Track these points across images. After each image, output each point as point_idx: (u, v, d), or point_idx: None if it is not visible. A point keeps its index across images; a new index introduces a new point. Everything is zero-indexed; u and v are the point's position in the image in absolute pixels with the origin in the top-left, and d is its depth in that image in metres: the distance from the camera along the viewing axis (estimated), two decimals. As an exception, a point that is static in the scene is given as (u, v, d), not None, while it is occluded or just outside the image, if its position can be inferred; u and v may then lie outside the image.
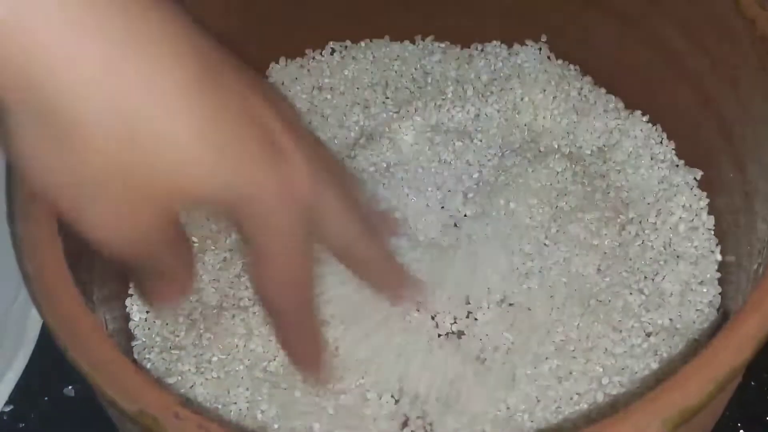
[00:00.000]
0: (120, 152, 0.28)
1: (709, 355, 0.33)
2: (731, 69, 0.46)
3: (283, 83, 0.55)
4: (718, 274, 0.48)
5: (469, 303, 0.47)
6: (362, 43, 0.57)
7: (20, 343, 0.47)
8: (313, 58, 0.57)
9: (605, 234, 0.49)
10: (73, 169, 0.28)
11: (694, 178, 0.51)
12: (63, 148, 0.27)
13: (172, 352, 0.46)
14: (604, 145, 0.53)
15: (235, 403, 0.44)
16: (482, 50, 0.57)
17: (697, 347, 0.46)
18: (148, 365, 0.46)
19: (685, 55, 0.49)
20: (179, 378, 0.45)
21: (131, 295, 0.49)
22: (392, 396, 0.45)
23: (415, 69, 0.56)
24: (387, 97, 0.55)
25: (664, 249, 0.49)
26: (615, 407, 0.43)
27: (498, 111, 0.54)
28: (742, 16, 0.44)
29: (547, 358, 0.45)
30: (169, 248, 0.32)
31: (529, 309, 0.47)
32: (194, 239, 0.50)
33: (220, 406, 0.44)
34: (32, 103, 0.27)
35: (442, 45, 0.57)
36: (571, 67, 0.55)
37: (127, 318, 0.48)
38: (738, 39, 0.44)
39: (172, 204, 0.30)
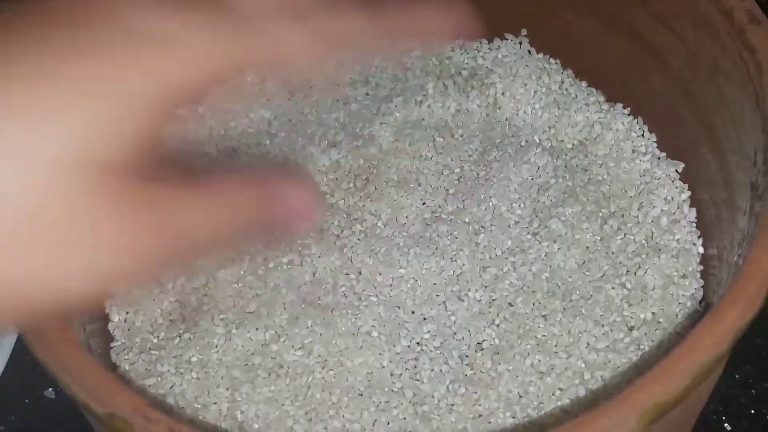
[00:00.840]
0: None
1: (685, 348, 0.32)
2: (710, 60, 0.45)
3: (262, 80, 0.55)
4: (700, 267, 0.48)
5: (450, 299, 0.47)
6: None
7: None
8: (293, 55, 0.56)
9: (587, 228, 0.49)
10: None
11: (676, 171, 0.50)
12: None
13: (152, 353, 0.46)
14: (585, 139, 0.53)
15: (215, 403, 0.44)
16: (462, 45, 0.56)
17: (680, 342, 0.45)
18: (127, 366, 0.46)
19: (665, 47, 0.49)
20: (159, 379, 0.45)
21: (110, 296, 0.49)
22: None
23: (396, 65, 0.56)
24: (367, 94, 0.55)
25: (646, 242, 0.49)
26: (596, 402, 0.43)
27: (479, 106, 0.54)
28: (720, 7, 0.44)
29: (528, 354, 0.45)
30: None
31: (511, 304, 0.47)
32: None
33: (200, 407, 0.44)
34: None
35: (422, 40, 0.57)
36: (552, 60, 0.55)
37: (106, 319, 0.48)
38: (716, 30, 0.44)
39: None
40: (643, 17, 0.49)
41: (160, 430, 0.31)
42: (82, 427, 0.48)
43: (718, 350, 0.32)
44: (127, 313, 0.48)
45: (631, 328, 0.46)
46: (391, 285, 0.47)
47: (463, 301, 0.47)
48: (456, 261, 0.48)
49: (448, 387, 0.45)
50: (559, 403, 0.44)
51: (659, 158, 0.51)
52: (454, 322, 0.47)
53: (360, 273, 0.48)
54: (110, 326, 0.48)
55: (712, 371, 0.32)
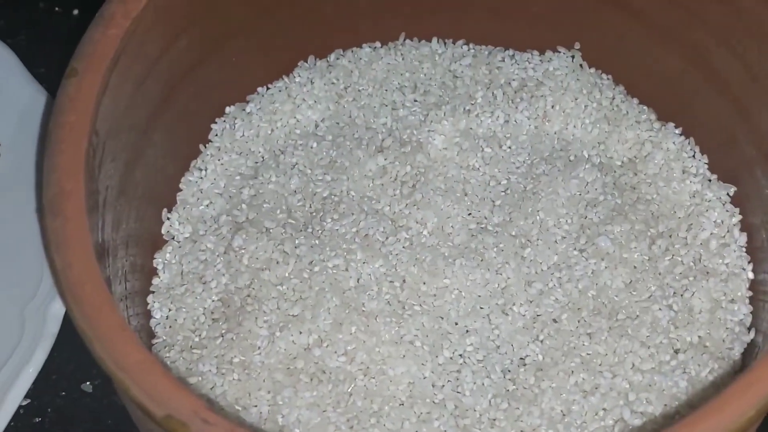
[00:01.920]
0: None
1: (749, 379, 0.32)
2: (772, 84, 0.45)
3: (311, 82, 0.55)
4: (750, 293, 0.47)
5: (494, 312, 0.46)
6: (391, 44, 0.57)
7: (39, 338, 0.46)
8: (342, 57, 0.56)
9: (634, 247, 0.48)
10: None
11: (727, 194, 0.50)
12: None
13: (193, 351, 0.46)
14: (635, 157, 0.52)
15: (256, 406, 0.44)
16: (513, 56, 0.56)
17: (726, 367, 0.45)
18: (169, 364, 0.45)
19: (723, 66, 0.48)
20: (200, 378, 0.45)
21: (153, 292, 0.48)
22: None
23: (445, 72, 0.56)
24: (415, 100, 0.55)
25: (694, 265, 0.48)
26: (643, 428, 0.42)
27: (528, 118, 0.53)
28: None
29: (573, 372, 0.44)
30: None
31: (555, 321, 0.46)
32: (218, 238, 0.49)
33: (240, 409, 0.44)
34: None
35: (473, 49, 0.56)
36: (604, 76, 0.55)
37: (148, 315, 0.48)
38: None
39: None
40: (702, 35, 0.48)
41: (217, 434, 0.30)
42: (118, 421, 0.48)
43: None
44: (170, 310, 0.48)
45: (677, 351, 0.46)
46: (435, 295, 0.47)
47: (507, 315, 0.47)
48: (501, 274, 0.48)
49: (490, 401, 0.44)
50: (602, 424, 0.43)
51: (710, 180, 0.51)
52: (498, 335, 0.46)
53: (404, 281, 0.47)
54: (152, 323, 0.47)
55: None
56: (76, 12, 0.63)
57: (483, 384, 0.45)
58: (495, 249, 0.48)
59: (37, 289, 0.47)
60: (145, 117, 0.46)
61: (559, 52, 0.55)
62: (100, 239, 0.40)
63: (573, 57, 0.55)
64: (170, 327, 0.47)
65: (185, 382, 0.44)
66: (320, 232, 0.49)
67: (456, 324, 0.46)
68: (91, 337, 0.33)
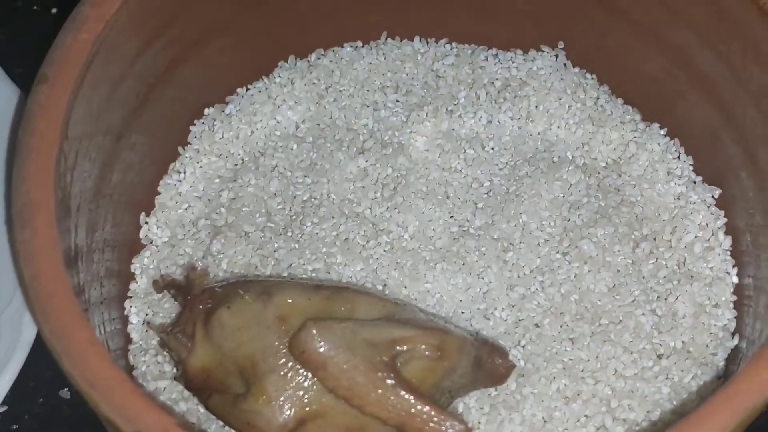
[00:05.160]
0: None
1: (731, 392, 0.31)
2: (757, 86, 0.44)
3: (292, 82, 0.54)
4: (734, 297, 0.47)
5: (476, 317, 0.46)
6: (373, 43, 0.56)
7: (16, 345, 0.46)
8: (323, 56, 0.55)
9: (618, 251, 0.48)
10: None
11: (712, 197, 0.49)
12: None
13: (168, 355, 0.45)
14: (619, 158, 0.51)
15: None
16: (497, 55, 0.55)
17: (710, 373, 0.44)
18: (143, 368, 0.45)
19: (707, 67, 0.48)
20: (171, 382, 0.44)
21: (130, 297, 0.48)
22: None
23: (428, 72, 0.55)
24: (397, 101, 0.54)
25: (678, 268, 0.48)
26: (626, 435, 0.42)
27: (511, 118, 0.53)
28: (767, 27, 0.42)
29: (554, 378, 0.44)
30: None
31: (537, 326, 0.46)
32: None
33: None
34: None
35: (456, 48, 0.56)
36: (588, 75, 0.54)
37: (124, 320, 0.47)
38: (764, 52, 0.43)
39: None
40: (688, 38, 0.48)
41: (187, 452, 0.30)
42: (96, 428, 0.47)
43: (765, 395, 0.31)
44: (146, 315, 0.47)
45: (660, 356, 0.45)
46: (416, 299, 0.47)
47: (488, 320, 0.46)
48: (483, 278, 0.47)
49: (471, 406, 0.44)
50: (584, 431, 0.43)
51: (695, 182, 0.50)
52: (479, 340, 0.46)
53: (385, 285, 0.47)
54: (129, 328, 0.47)
55: (756, 415, 0.31)
56: (54, 11, 0.62)
57: (464, 390, 0.44)
58: (477, 253, 0.48)
59: (13, 296, 0.47)
60: (121, 119, 0.46)
61: (543, 51, 0.54)
62: (73, 245, 0.39)
63: (557, 56, 0.54)
64: (146, 332, 0.46)
65: (157, 388, 0.43)
66: (300, 235, 0.48)
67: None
68: (59, 352, 0.32)
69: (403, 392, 0.38)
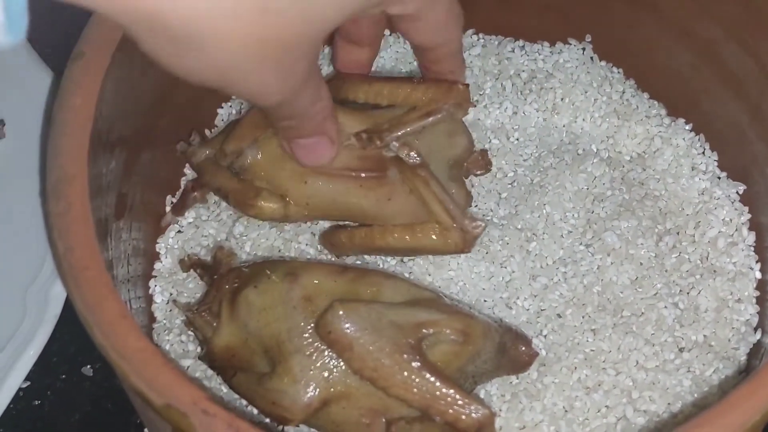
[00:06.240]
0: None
1: (755, 384, 0.31)
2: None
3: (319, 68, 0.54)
4: (757, 293, 0.47)
5: (498, 305, 0.46)
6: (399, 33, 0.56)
7: (40, 321, 0.46)
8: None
9: (641, 244, 0.48)
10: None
11: (737, 192, 0.49)
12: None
13: (191, 334, 0.46)
14: (644, 152, 0.52)
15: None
16: (523, 47, 0.55)
17: (731, 367, 0.45)
18: (167, 347, 0.45)
19: (734, 62, 0.48)
20: (195, 361, 0.45)
21: (155, 276, 0.48)
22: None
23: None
24: (424, 90, 0.54)
25: (701, 263, 0.48)
26: (646, 427, 0.42)
27: (536, 110, 0.53)
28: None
29: (576, 368, 0.44)
30: (315, 95, 0.38)
31: (560, 316, 0.46)
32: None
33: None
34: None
35: (483, 38, 0.56)
36: (615, 69, 0.54)
37: (149, 299, 0.47)
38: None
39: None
40: (714, 30, 0.48)
41: (218, 425, 0.30)
42: (118, 405, 0.47)
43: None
44: (170, 294, 0.47)
45: (681, 350, 0.45)
46: (440, 286, 0.47)
47: (511, 308, 0.46)
48: (506, 267, 0.47)
49: (492, 394, 0.44)
50: (604, 421, 0.43)
51: (719, 178, 0.50)
52: (501, 329, 0.46)
53: (411, 273, 0.47)
54: (153, 307, 0.47)
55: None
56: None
57: (485, 377, 0.44)
58: (500, 242, 0.48)
59: (40, 270, 0.47)
60: (152, 101, 0.46)
61: (570, 44, 0.55)
62: (104, 222, 0.39)
63: (584, 49, 0.54)
64: (170, 311, 0.47)
65: (183, 369, 0.44)
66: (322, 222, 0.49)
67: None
68: (91, 324, 0.32)
69: (428, 375, 0.38)
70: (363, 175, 0.44)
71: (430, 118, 0.45)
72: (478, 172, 0.49)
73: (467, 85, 0.47)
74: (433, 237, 0.44)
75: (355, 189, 0.44)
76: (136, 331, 0.32)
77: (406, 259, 0.47)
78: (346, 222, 0.47)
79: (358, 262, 0.47)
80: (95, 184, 0.38)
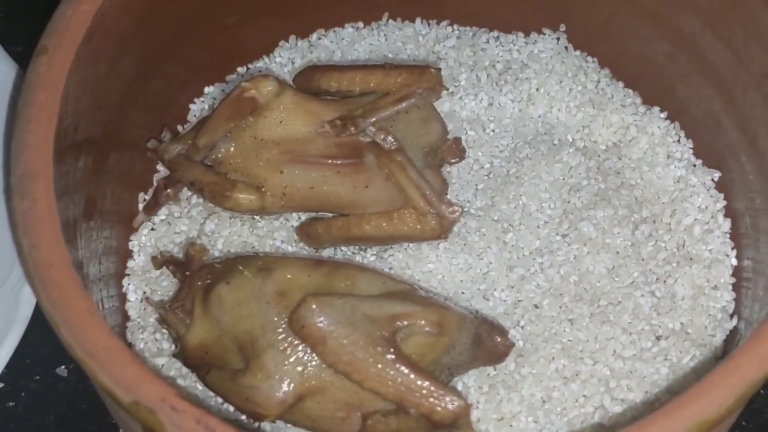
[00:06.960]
0: None
1: (731, 367, 0.31)
2: (758, 67, 0.44)
3: (292, 62, 0.54)
4: (733, 280, 0.47)
5: (476, 297, 0.46)
6: (374, 24, 0.56)
7: (12, 322, 0.45)
8: (324, 36, 0.55)
9: (618, 233, 0.47)
10: None
11: (712, 179, 0.49)
12: None
13: (165, 332, 0.45)
14: (619, 141, 0.51)
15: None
16: (498, 37, 0.55)
17: (708, 354, 0.44)
18: (141, 345, 0.45)
19: (709, 50, 0.47)
20: (169, 359, 0.44)
21: (128, 275, 0.47)
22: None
23: (429, 53, 0.55)
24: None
25: (678, 251, 0.48)
26: (623, 415, 0.42)
27: (512, 101, 0.53)
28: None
29: (553, 358, 0.44)
30: None
31: (536, 306, 0.46)
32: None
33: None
34: None
35: (457, 30, 0.56)
36: (589, 58, 0.54)
37: (122, 297, 0.47)
38: (766, 32, 0.43)
39: None
40: (689, 19, 0.47)
41: (186, 422, 0.30)
42: (93, 405, 0.47)
43: (765, 369, 0.31)
44: (144, 292, 0.47)
45: (658, 338, 0.45)
46: (419, 280, 0.46)
47: (488, 300, 0.46)
48: (483, 259, 0.47)
49: (470, 386, 0.44)
50: (582, 410, 0.43)
51: (695, 165, 0.50)
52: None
53: (391, 268, 0.46)
54: (127, 306, 0.47)
55: (757, 390, 0.31)
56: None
57: (463, 369, 0.44)
58: (477, 233, 0.48)
59: (11, 272, 0.46)
60: (120, 95, 0.45)
61: (545, 34, 0.54)
62: (72, 220, 0.39)
63: (558, 39, 0.54)
64: (144, 309, 0.46)
65: (155, 365, 0.43)
66: (298, 215, 0.48)
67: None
68: (58, 322, 0.32)
69: (402, 367, 0.37)
70: (339, 162, 0.44)
71: (404, 103, 0.45)
72: (453, 160, 0.49)
73: (439, 69, 0.47)
74: (410, 223, 0.44)
75: (333, 176, 0.44)
76: (103, 328, 0.32)
77: (386, 254, 0.47)
78: (323, 213, 0.47)
79: (337, 257, 0.47)
80: (62, 181, 0.38)
